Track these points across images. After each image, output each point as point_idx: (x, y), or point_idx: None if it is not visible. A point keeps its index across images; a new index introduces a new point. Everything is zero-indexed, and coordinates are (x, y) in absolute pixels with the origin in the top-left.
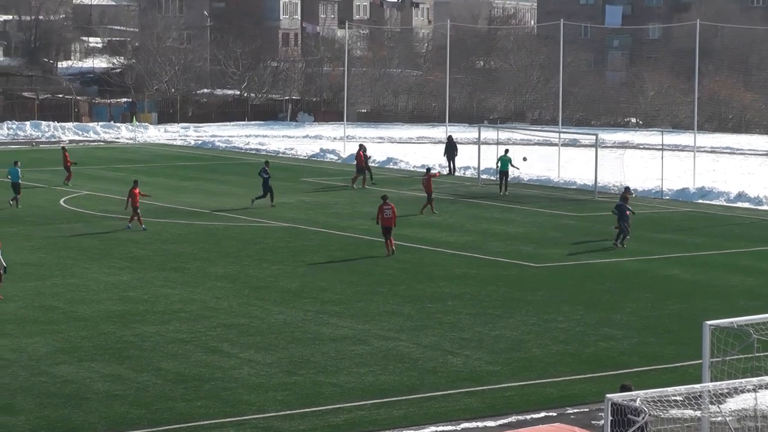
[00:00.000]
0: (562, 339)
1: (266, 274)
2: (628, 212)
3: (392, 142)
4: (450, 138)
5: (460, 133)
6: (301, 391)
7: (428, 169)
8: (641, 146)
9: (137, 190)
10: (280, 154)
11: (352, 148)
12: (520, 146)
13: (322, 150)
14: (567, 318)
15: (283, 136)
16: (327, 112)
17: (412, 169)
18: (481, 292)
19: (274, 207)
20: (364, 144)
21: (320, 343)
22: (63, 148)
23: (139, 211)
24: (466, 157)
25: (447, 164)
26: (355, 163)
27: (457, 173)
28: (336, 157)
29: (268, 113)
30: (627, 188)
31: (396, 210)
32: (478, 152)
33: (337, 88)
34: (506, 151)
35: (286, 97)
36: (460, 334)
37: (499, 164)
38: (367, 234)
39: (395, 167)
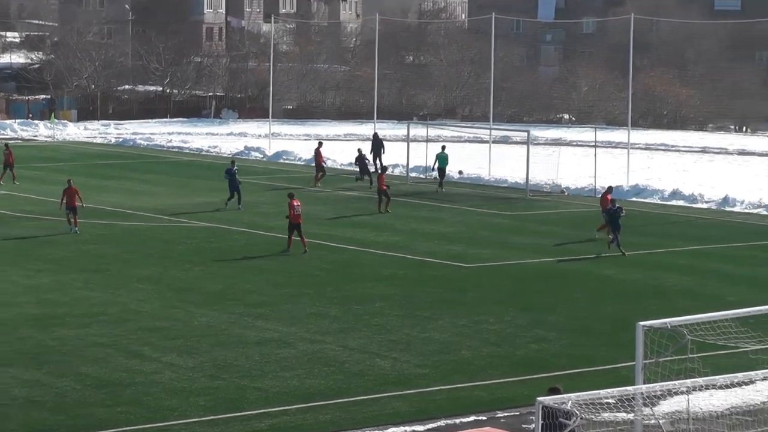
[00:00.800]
0: (493, 341)
1: (190, 276)
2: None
3: (319, 139)
4: (375, 135)
5: (389, 130)
6: (224, 396)
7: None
8: (574, 143)
9: (74, 189)
10: (204, 152)
11: (278, 146)
12: (450, 143)
13: (246, 148)
14: (498, 319)
15: (206, 134)
16: (252, 108)
17: (339, 167)
18: (410, 293)
19: (241, 210)
20: (322, 141)
21: (245, 346)
22: (6, 144)
23: (76, 210)
24: (395, 155)
25: (372, 162)
26: (314, 162)
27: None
28: (261, 155)
29: (192, 110)
30: (610, 188)
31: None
32: (407, 150)
33: (263, 84)
34: (443, 147)
35: (210, 94)
36: (388, 337)
37: (437, 162)
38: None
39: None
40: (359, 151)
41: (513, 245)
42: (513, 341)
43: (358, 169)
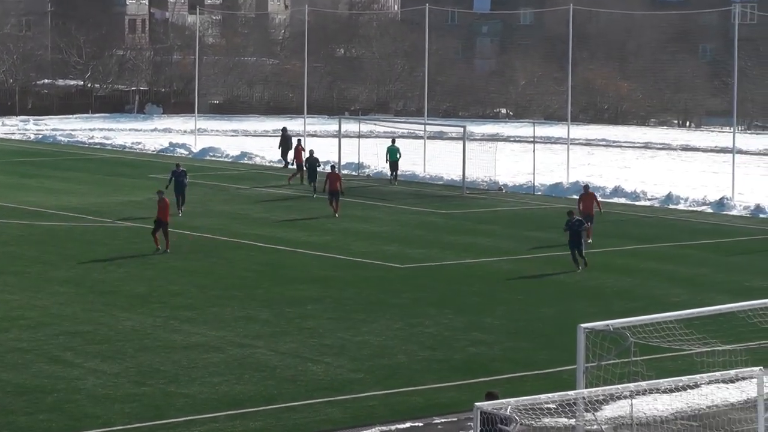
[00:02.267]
0: (430, 344)
1: (113, 278)
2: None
3: (247, 136)
4: (284, 130)
5: (320, 125)
6: (150, 403)
7: (332, 167)
8: (512, 139)
9: None
10: (127, 149)
11: (204, 142)
12: (383, 139)
13: (171, 144)
14: (434, 322)
15: (129, 130)
16: (177, 103)
17: (267, 164)
18: (343, 295)
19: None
20: (300, 139)
21: (171, 351)
22: None
23: None
24: (326, 152)
25: (281, 158)
26: (294, 159)
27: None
28: (186, 152)
29: (114, 105)
30: (586, 186)
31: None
32: (339, 146)
33: (188, 78)
34: (393, 140)
35: (133, 88)
36: (321, 341)
37: (387, 155)
38: (221, 234)
39: (250, 162)
40: (311, 152)
41: (449, 245)
42: (450, 345)
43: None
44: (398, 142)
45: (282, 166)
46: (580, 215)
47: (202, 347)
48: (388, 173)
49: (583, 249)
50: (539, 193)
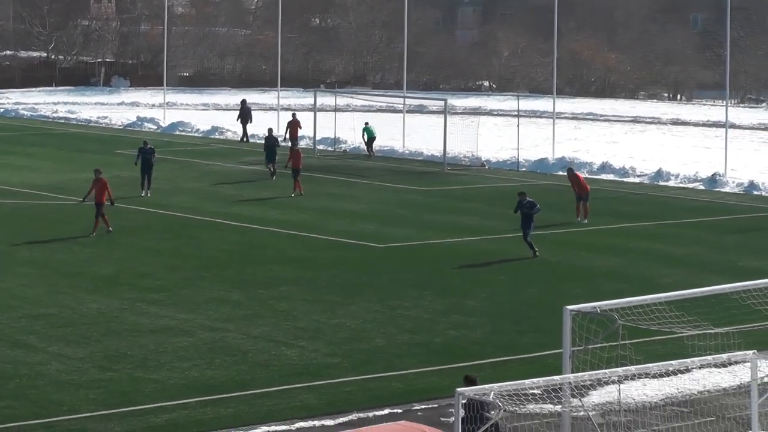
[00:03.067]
0: (409, 327)
1: (78, 259)
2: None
3: (218, 110)
4: (243, 102)
5: (294, 99)
6: (117, 389)
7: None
8: (495, 112)
9: None
10: (92, 124)
11: (173, 116)
12: (360, 113)
13: (139, 119)
14: (414, 304)
15: (95, 104)
16: (145, 76)
17: (239, 139)
18: (319, 276)
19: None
20: (295, 112)
21: (138, 334)
22: None
23: None
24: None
25: (242, 132)
26: (287, 133)
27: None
28: (155, 126)
29: (79, 78)
30: (569, 169)
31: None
32: (314, 120)
33: (156, 50)
34: (366, 123)
35: (99, 60)
36: (295, 324)
37: (365, 134)
38: (191, 212)
39: (221, 137)
40: (269, 131)
41: (430, 224)
42: (430, 328)
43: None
44: (376, 117)
45: (239, 139)
46: (577, 197)
47: (171, 330)
48: (365, 149)
49: (529, 233)
50: (524, 169)
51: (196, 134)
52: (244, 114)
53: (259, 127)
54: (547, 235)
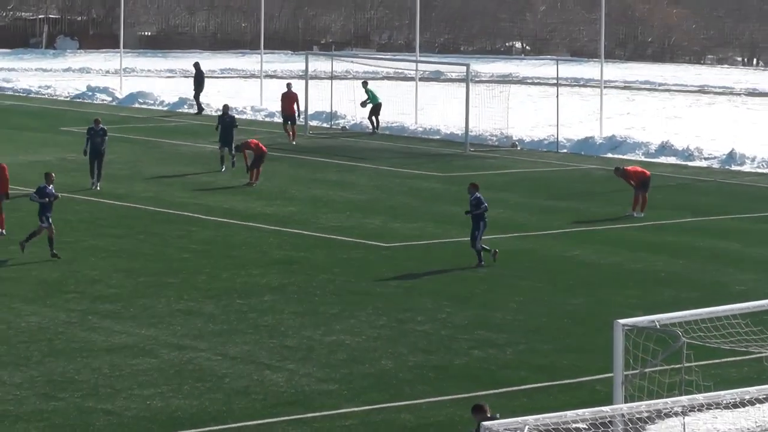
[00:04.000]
0: (422, 346)
1: (15, 261)
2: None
3: (188, 77)
4: (197, 66)
5: (281, 64)
6: (62, 422)
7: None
8: (529, 81)
9: None
10: (33, 95)
11: (132, 86)
12: (368, 81)
13: (90, 88)
14: (429, 317)
15: (36, 70)
16: (97, 36)
17: (214, 113)
18: (311, 282)
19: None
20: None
21: (89, 355)
22: None
23: None
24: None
25: (195, 101)
26: (280, 108)
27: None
28: (109, 98)
29: (17, 38)
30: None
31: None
32: (306, 90)
33: (111, 4)
34: (365, 84)
35: (41, 17)
36: (283, 341)
37: (369, 99)
38: (153, 203)
39: (191, 111)
40: (225, 108)
41: (448, 217)
42: (449, 346)
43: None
44: (382, 86)
45: (195, 112)
46: (637, 188)
47: (129, 350)
48: (369, 125)
49: (477, 238)
50: (564, 150)
51: (160, 107)
52: (199, 80)
53: (228, 95)
54: (593, 233)
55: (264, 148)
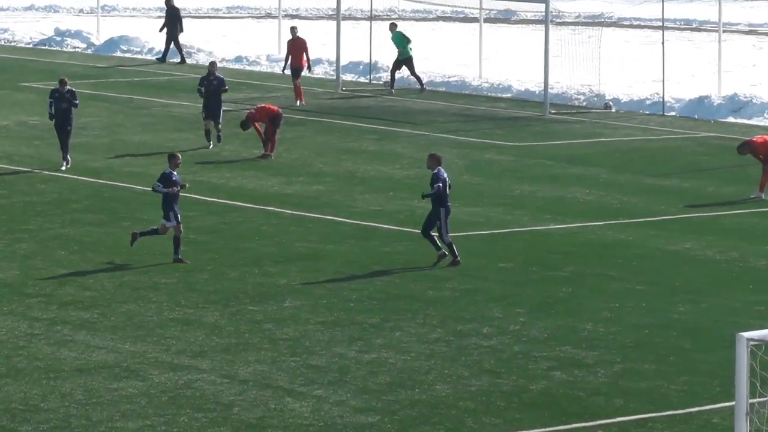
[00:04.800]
0: (489, 366)
1: None
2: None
3: (186, 17)
4: (169, 3)
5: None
6: None
7: (293, 29)
8: (626, 22)
9: None
10: None
11: (112, 28)
12: (410, 23)
13: (58, 32)
14: (498, 328)
15: None
16: None
17: (219, 63)
18: (345, 284)
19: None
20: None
21: (58, 376)
22: None
23: None
24: (317, 46)
25: (164, 48)
26: (288, 60)
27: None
28: (83, 45)
29: None
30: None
31: None
32: (337, 36)
33: None
34: (394, 27)
35: None
36: (307, 360)
37: (404, 49)
38: (139, 181)
39: (189, 62)
40: (211, 65)
41: (522, 200)
42: (524, 366)
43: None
44: (437, 28)
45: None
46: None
47: (110, 370)
48: (414, 80)
49: (440, 229)
50: (672, 113)
51: (148, 56)
52: (172, 19)
53: (242, 47)
54: (708, 221)
55: (275, 108)
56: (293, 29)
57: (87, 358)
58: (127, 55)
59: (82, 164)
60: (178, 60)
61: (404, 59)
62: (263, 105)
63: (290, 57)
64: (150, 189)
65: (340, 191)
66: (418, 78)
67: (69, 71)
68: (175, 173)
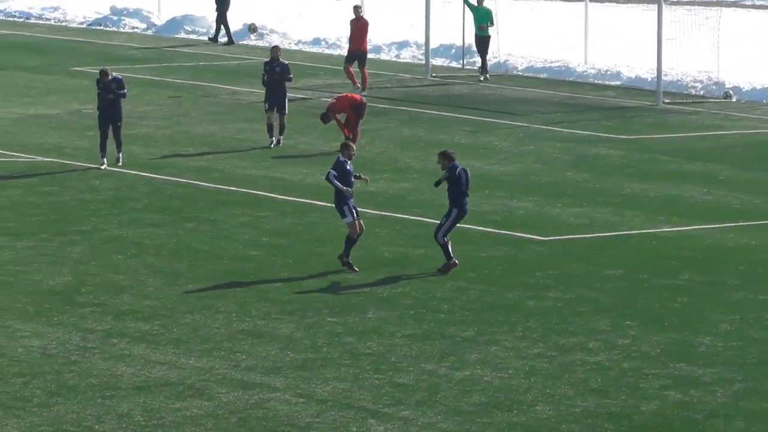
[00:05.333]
0: (596, 385)
1: (7, 259)
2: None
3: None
4: None
5: None
6: None
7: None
8: (747, 2)
9: None
10: (33, 19)
11: (175, 7)
12: (510, 1)
13: (114, 11)
14: (604, 344)
15: None
16: None
17: (295, 46)
18: (434, 292)
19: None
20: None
21: (114, 395)
22: None
23: None
24: (404, 27)
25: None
26: (348, 41)
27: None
28: (144, 25)
29: None
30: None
31: None
32: (427, 12)
33: None
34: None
35: None
36: (393, 377)
37: (476, 24)
38: (205, 177)
39: (260, 44)
40: (273, 52)
41: (632, 199)
42: (634, 385)
43: None
44: (534, 8)
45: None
46: None
47: (172, 388)
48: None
49: (442, 225)
50: None
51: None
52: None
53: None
54: None
55: (358, 97)
56: (357, 8)
57: (147, 375)
58: (190, 38)
59: (141, 159)
60: (225, 41)
61: (484, 37)
62: (344, 93)
63: (351, 39)
64: (327, 180)
65: (429, 189)
66: (485, 64)
67: (126, 54)
68: (350, 163)
